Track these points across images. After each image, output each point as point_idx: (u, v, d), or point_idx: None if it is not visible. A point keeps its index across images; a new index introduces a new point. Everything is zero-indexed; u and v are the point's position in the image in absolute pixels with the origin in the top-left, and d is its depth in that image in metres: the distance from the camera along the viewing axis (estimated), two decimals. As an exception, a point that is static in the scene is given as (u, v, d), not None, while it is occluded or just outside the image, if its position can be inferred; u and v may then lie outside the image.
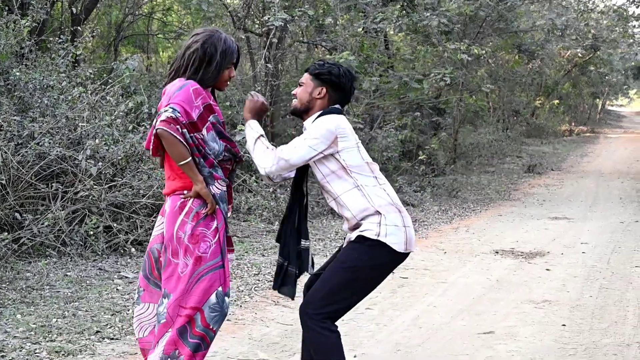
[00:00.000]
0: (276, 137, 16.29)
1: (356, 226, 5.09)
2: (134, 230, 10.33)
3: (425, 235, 13.25)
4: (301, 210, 5.38)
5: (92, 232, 9.79)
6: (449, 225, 14.59)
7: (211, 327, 4.93)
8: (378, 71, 17.37)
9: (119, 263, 9.71)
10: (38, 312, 7.47)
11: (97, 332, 7.05)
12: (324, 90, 5.20)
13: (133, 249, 10.06)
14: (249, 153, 5.50)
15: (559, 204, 17.88)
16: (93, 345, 6.71)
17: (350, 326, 7.66)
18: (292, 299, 5.42)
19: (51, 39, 12.25)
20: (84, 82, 11.18)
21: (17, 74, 10.51)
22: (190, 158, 4.82)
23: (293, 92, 5.33)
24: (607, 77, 43.61)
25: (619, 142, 38.33)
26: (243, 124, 13.56)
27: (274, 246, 10.92)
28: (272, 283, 9.21)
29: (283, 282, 5.36)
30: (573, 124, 44.66)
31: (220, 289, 4.95)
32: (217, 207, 4.97)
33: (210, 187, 4.94)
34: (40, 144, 9.78)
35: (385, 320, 7.97)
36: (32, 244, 9.38)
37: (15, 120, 9.86)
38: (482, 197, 18.95)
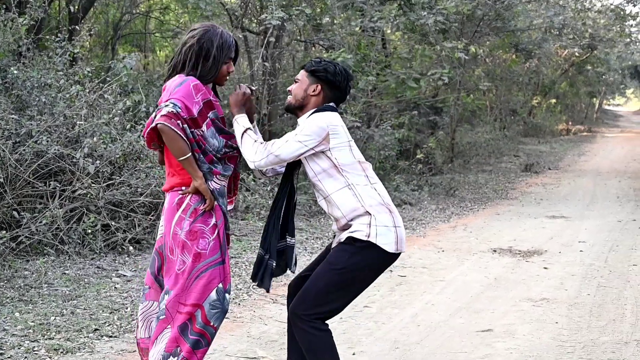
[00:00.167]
0: (274, 136, 16.27)
1: (346, 226, 5.06)
2: (131, 229, 10.32)
3: (423, 234, 13.25)
4: (289, 206, 5.31)
5: (90, 231, 9.79)
6: (447, 223, 14.59)
7: (212, 323, 4.93)
8: (375, 70, 17.37)
9: (116, 261, 9.71)
10: (36, 310, 7.47)
11: (96, 330, 7.06)
12: (319, 87, 5.17)
13: (131, 248, 10.06)
14: None
15: (557, 202, 17.89)
16: (91, 343, 6.71)
17: (349, 324, 7.67)
18: (268, 291, 5.37)
19: (49, 37, 12.26)
20: (81, 80, 11.18)
21: (15, 72, 10.51)
22: (190, 154, 4.82)
23: (288, 89, 5.31)
24: (604, 77, 43.63)
25: (616, 142, 38.35)
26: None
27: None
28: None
29: (263, 276, 5.31)
30: (570, 123, 44.66)
31: (220, 285, 4.94)
32: (216, 203, 4.97)
33: (209, 183, 4.94)
34: (38, 142, 9.78)
35: (384, 318, 7.97)
36: (30, 242, 9.37)
37: (13, 118, 9.85)
38: (479, 196, 18.96)
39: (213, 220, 4.96)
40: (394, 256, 5.10)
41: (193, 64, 4.98)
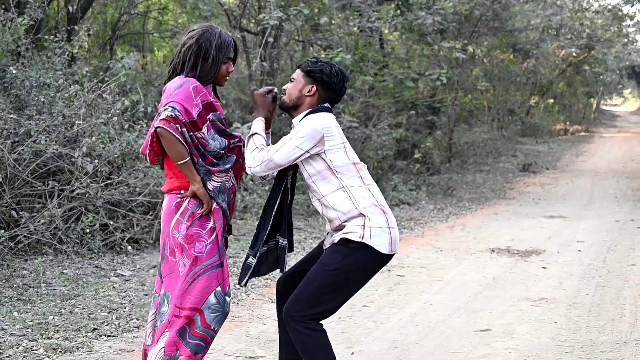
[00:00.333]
0: (272, 136, 16.23)
1: (339, 227, 5.06)
2: (130, 228, 10.33)
3: (421, 234, 13.26)
4: (284, 207, 5.29)
5: (88, 230, 9.80)
6: (445, 223, 14.60)
7: (212, 327, 4.93)
8: (373, 70, 17.38)
9: (115, 261, 9.71)
10: (35, 309, 7.47)
11: (94, 329, 7.06)
12: (314, 88, 5.16)
13: (129, 247, 10.08)
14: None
15: (555, 202, 17.89)
16: (90, 343, 6.72)
17: (347, 323, 7.68)
18: (239, 284, 5.28)
19: (47, 37, 12.25)
20: (80, 80, 11.18)
21: (14, 72, 10.50)
22: (188, 158, 4.81)
23: (284, 88, 5.30)
24: (601, 77, 43.59)
25: (614, 142, 38.34)
26: (240, 123, 13.61)
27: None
28: (268, 280, 9.27)
29: (241, 270, 5.27)
30: (568, 123, 44.61)
31: (219, 288, 4.94)
32: (214, 206, 4.96)
33: (208, 183, 4.93)
34: (36, 141, 9.78)
35: (382, 318, 7.98)
36: (28, 242, 9.38)
37: (11, 118, 9.85)
38: (477, 195, 18.96)
39: (211, 224, 4.95)
40: (387, 257, 5.08)
41: (192, 65, 4.97)
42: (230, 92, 16.76)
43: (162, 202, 10.27)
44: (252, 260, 5.19)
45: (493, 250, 11.68)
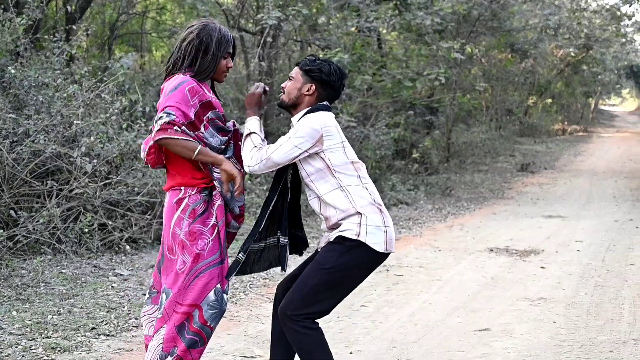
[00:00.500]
0: (270, 136, 16.28)
1: (335, 225, 5.06)
2: (128, 228, 10.34)
3: (419, 233, 13.26)
4: (284, 205, 5.28)
5: (86, 230, 9.80)
6: (443, 223, 14.60)
7: (209, 324, 4.91)
8: (371, 70, 17.38)
9: (113, 260, 9.72)
10: (33, 309, 7.48)
11: (93, 328, 7.06)
12: (313, 87, 5.15)
13: (128, 247, 10.08)
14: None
15: (553, 202, 17.90)
16: (89, 342, 6.72)
17: (346, 323, 7.68)
18: (227, 279, 5.29)
19: (46, 37, 12.26)
20: (79, 80, 11.18)
21: (13, 71, 10.50)
22: (200, 145, 4.79)
23: (282, 85, 5.28)
24: (599, 77, 43.60)
25: (612, 141, 38.35)
26: (238, 123, 13.56)
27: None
28: (266, 280, 9.27)
29: (231, 270, 5.26)
30: (566, 123, 44.61)
31: (218, 286, 4.94)
32: (218, 202, 4.95)
33: (215, 175, 4.93)
34: (35, 141, 9.78)
35: (381, 318, 7.97)
36: (27, 242, 9.38)
37: (10, 117, 9.85)
38: (475, 195, 18.97)
39: (212, 220, 4.95)
40: (383, 256, 5.08)
41: (192, 59, 4.96)
42: (228, 92, 16.77)
43: (160, 201, 10.40)
44: (242, 257, 5.18)
45: (491, 250, 11.69)
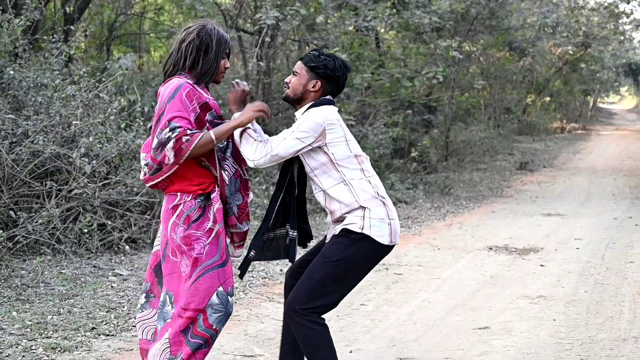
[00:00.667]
0: (268, 135, 16.18)
1: (340, 219, 5.11)
2: (127, 228, 10.34)
3: (418, 232, 13.26)
4: (291, 200, 5.33)
5: (86, 230, 9.80)
6: (442, 222, 14.60)
7: (214, 327, 4.89)
8: (369, 69, 17.38)
9: (113, 261, 9.72)
10: (33, 309, 7.48)
11: (93, 328, 7.07)
12: (319, 83, 5.20)
13: (127, 247, 10.08)
14: None
15: (552, 200, 17.90)
16: (89, 342, 6.73)
17: (346, 322, 7.68)
18: (239, 277, 5.43)
19: (45, 38, 12.26)
20: (77, 80, 11.18)
21: (11, 72, 10.51)
22: (212, 133, 4.80)
23: (286, 80, 5.32)
24: (598, 75, 43.49)
25: (611, 139, 38.33)
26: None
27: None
28: (266, 279, 9.28)
29: (244, 268, 5.35)
30: (564, 121, 44.55)
31: (220, 288, 4.90)
32: (217, 205, 4.94)
33: (222, 172, 4.93)
34: (34, 142, 9.78)
35: (380, 316, 7.98)
36: (26, 242, 9.38)
37: (9, 118, 9.85)
38: (474, 194, 18.95)
39: (209, 224, 4.90)
40: (387, 248, 5.14)
41: (194, 59, 4.94)
42: (226, 92, 16.75)
43: (159, 201, 10.39)
44: (252, 254, 5.30)
45: (491, 248, 11.69)
